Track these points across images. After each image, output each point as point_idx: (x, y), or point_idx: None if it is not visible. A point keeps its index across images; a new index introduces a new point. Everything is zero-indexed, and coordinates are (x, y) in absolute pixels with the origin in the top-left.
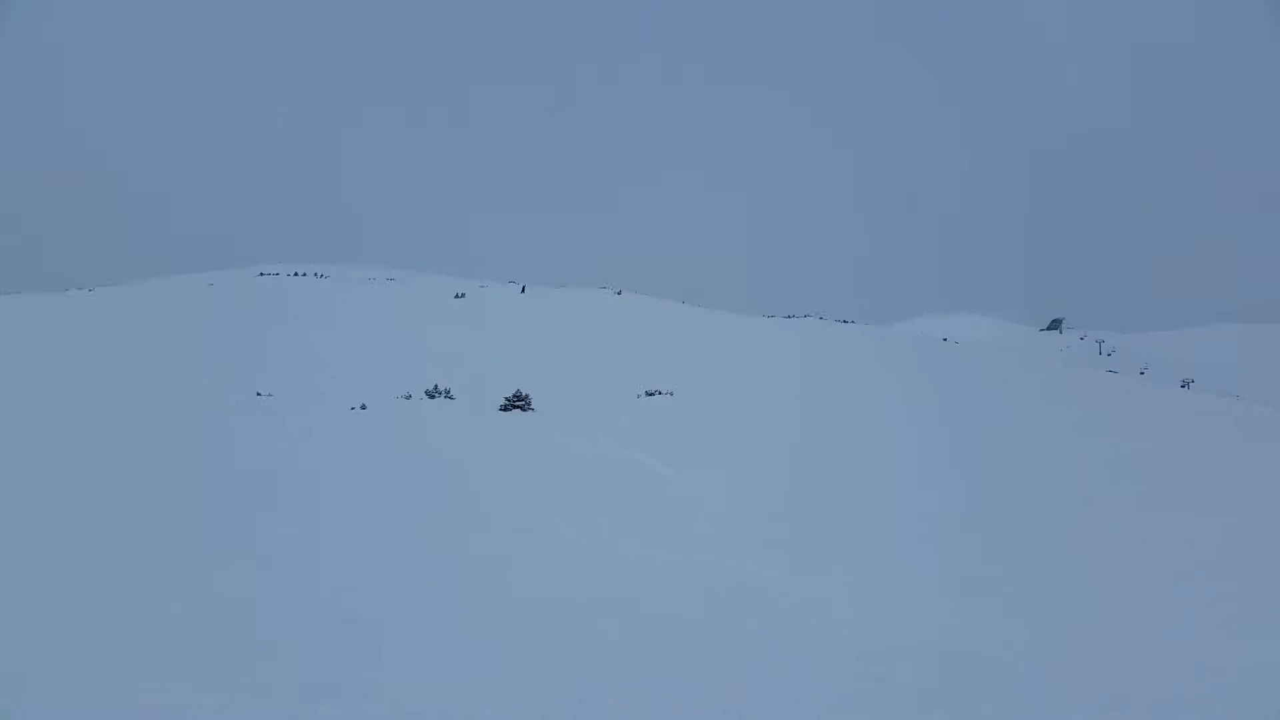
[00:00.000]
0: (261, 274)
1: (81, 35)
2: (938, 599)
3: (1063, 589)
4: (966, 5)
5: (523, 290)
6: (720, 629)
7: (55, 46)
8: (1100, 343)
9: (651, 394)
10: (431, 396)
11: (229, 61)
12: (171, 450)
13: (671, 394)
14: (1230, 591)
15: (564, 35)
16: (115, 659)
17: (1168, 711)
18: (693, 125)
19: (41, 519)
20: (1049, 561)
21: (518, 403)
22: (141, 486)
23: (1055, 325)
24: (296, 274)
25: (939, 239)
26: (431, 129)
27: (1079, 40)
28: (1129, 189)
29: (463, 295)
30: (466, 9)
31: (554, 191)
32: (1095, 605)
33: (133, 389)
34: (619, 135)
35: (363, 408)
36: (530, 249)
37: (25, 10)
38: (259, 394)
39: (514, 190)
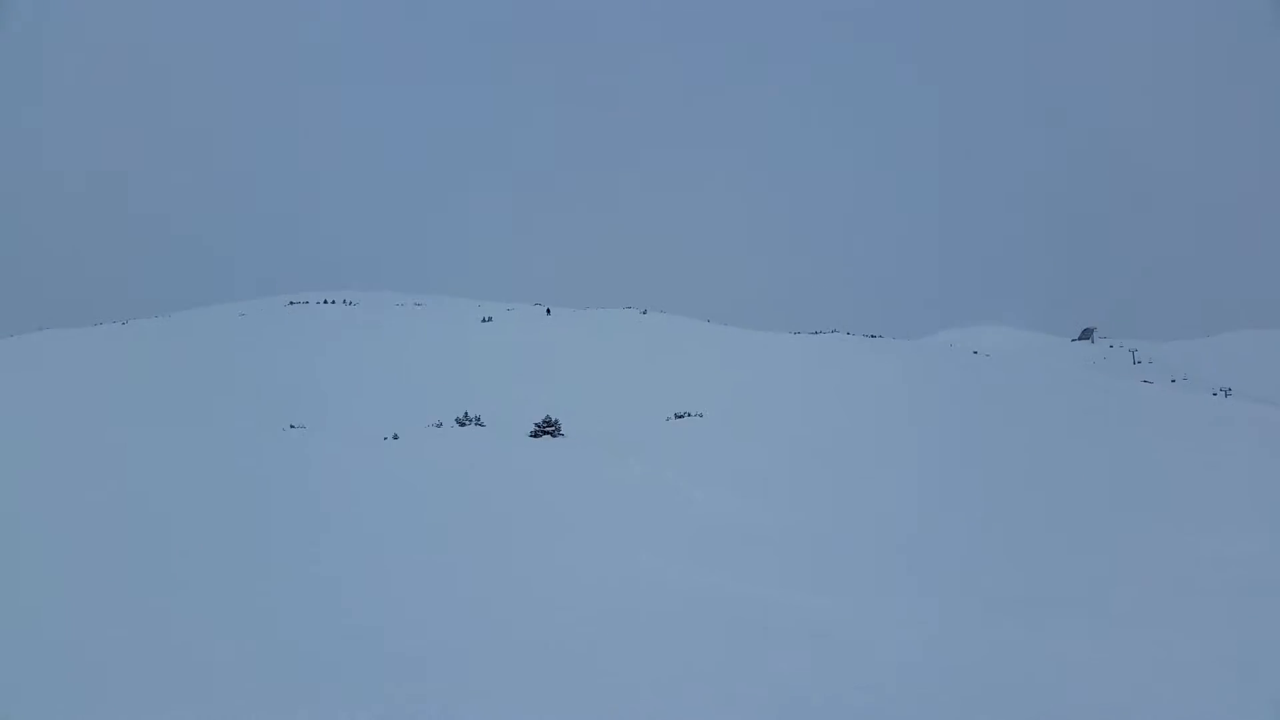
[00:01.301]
0: (291, 302)
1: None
2: (977, 623)
3: (1111, 609)
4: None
5: (548, 312)
6: (742, 657)
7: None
8: (1133, 352)
9: (681, 416)
10: (462, 424)
11: (239, 89)
12: (203, 484)
13: (701, 415)
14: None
15: (572, 42)
16: (134, 675)
17: None
18: (706, 142)
19: (70, 547)
20: (1082, 581)
21: (547, 428)
22: (173, 522)
23: (1087, 335)
24: (326, 301)
25: (966, 248)
26: (447, 152)
27: (1093, 39)
28: (1155, 191)
29: (490, 319)
30: (470, 16)
31: (576, 212)
32: (1120, 622)
33: (163, 423)
34: (631, 154)
35: (395, 437)
36: (555, 269)
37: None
38: (291, 426)
39: (537, 211)
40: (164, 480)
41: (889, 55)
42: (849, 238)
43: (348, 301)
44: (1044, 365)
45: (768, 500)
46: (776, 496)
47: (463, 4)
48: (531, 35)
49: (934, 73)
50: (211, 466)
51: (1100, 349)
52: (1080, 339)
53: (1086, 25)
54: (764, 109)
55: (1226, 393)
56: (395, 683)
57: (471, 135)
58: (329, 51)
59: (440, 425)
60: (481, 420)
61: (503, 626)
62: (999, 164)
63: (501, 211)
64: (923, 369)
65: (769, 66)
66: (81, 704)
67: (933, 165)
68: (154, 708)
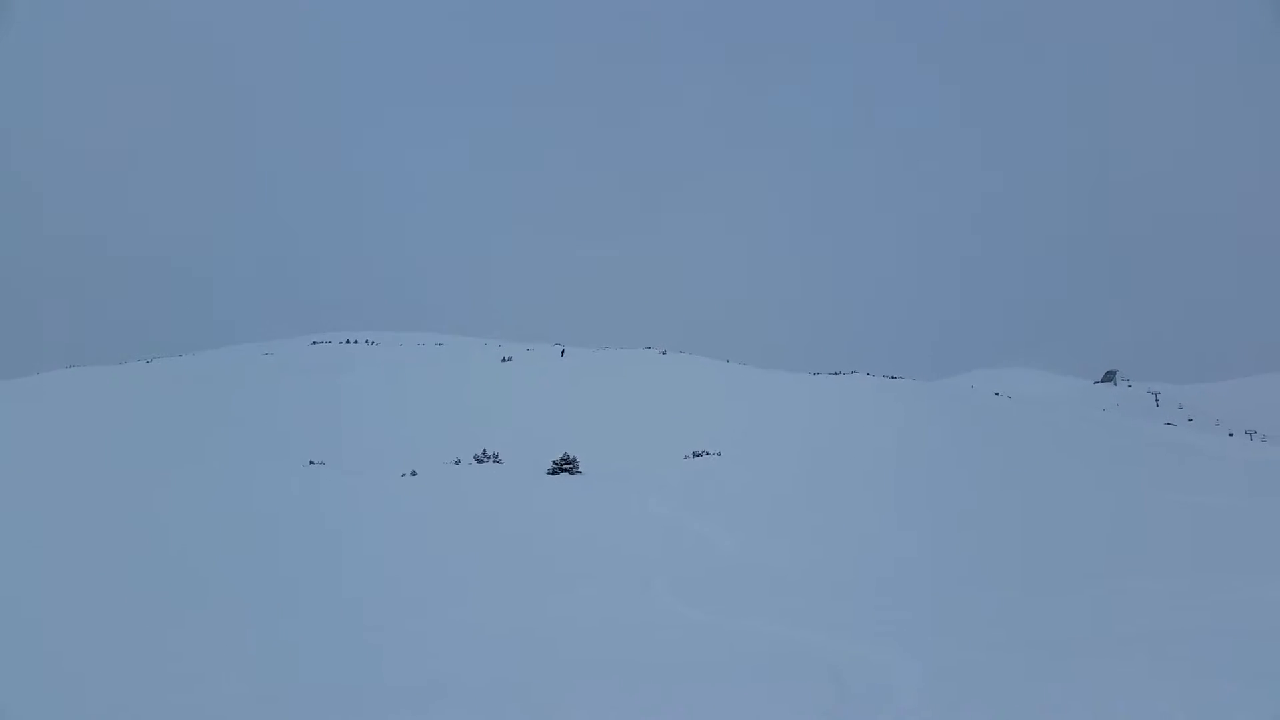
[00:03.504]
0: (315, 342)
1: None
2: (1009, 679)
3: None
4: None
5: (562, 353)
6: (765, 698)
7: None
8: (1156, 395)
9: (699, 455)
10: (480, 461)
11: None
12: (221, 519)
13: (719, 455)
14: None
15: (595, 83)
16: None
17: None
18: (724, 174)
19: (88, 580)
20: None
21: (565, 466)
22: (191, 553)
23: (1109, 377)
24: (348, 341)
25: (989, 289)
26: (464, 190)
27: (1126, 75)
28: (1183, 228)
29: (509, 359)
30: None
31: (595, 248)
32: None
33: (182, 459)
34: (654, 190)
35: (413, 474)
36: (577, 308)
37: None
38: (311, 461)
39: (558, 250)
40: (181, 515)
41: (924, 93)
42: (878, 276)
43: (370, 341)
44: (1066, 409)
45: (781, 541)
46: (789, 538)
47: (478, 36)
48: (561, 80)
49: (971, 109)
50: (229, 501)
51: (1122, 391)
52: (1103, 381)
53: (1118, 62)
54: (793, 142)
55: (1260, 437)
56: (405, 712)
57: (491, 171)
58: (368, 86)
59: (458, 462)
60: (499, 458)
61: (513, 666)
62: (1029, 205)
63: (523, 250)
64: (938, 411)
65: (802, 97)
66: None
67: (962, 206)
68: None
